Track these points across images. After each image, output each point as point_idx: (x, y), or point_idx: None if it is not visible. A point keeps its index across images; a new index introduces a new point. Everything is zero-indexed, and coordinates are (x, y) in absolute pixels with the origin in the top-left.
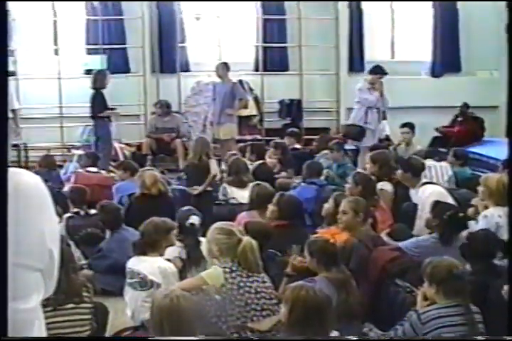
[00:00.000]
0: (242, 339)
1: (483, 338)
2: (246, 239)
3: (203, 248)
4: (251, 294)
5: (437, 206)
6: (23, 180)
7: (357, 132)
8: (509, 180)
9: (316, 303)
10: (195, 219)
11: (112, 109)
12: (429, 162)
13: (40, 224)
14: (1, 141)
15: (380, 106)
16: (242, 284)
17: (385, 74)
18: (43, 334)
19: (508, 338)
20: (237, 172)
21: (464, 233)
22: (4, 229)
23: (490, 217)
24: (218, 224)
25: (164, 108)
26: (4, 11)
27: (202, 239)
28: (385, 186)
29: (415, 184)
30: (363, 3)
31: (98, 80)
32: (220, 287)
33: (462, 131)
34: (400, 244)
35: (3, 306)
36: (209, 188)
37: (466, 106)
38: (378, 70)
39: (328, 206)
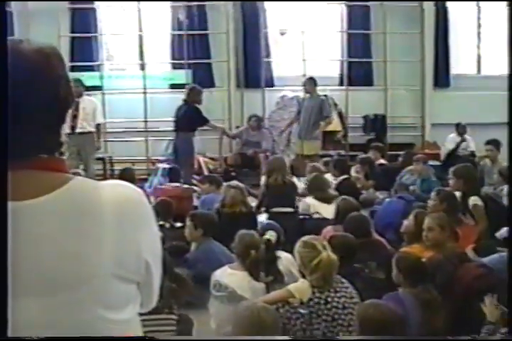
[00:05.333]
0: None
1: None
2: (325, 253)
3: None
4: (338, 309)
5: None
6: (124, 192)
7: None
8: (509, 177)
9: (384, 322)
10: (271, 235)
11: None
12: None
13: (137, 236)
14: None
15: None
16: (329, 299)
17: None
18: None
19: (508, 338)
20: (319, 188)
21: None
22: (4, 225)
23: None
24: (304, 237)
25: (258, 122)
26: (4, 11)
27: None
28: (477, 201)
29: None
30: (449, 16)
31: (192, 95)
32: (307, 301)
33: None
34: (484, 259)
35: (3, 306)
36: (291, 209)
37: None
38: None
39: (407, 223)
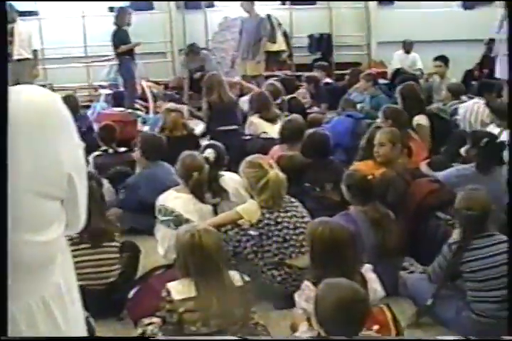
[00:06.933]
0: (251, 339)
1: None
2: (272, 172)
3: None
4: (289, 230)
5: (474, 134)
6: (36, 98)
7: None
8: (509, 173)
9: (334, 240)
10: (209, 153)
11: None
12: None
13: (56, 146)
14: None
15: None
16: (279, 219)
17: None
18: (70, 269)
19: (508, 338)
20: (262, 107)
21: None
22: (4, 223)
23: None
24: (249, 157)
25: (194, 53)
26: (4, 10)
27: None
28: (421, 120)
29: None
30: None
31: (120, 17)
32: (256, 222)
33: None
34: (440, 174)
35: (3, 306)
36: (235, 126)
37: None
38: None
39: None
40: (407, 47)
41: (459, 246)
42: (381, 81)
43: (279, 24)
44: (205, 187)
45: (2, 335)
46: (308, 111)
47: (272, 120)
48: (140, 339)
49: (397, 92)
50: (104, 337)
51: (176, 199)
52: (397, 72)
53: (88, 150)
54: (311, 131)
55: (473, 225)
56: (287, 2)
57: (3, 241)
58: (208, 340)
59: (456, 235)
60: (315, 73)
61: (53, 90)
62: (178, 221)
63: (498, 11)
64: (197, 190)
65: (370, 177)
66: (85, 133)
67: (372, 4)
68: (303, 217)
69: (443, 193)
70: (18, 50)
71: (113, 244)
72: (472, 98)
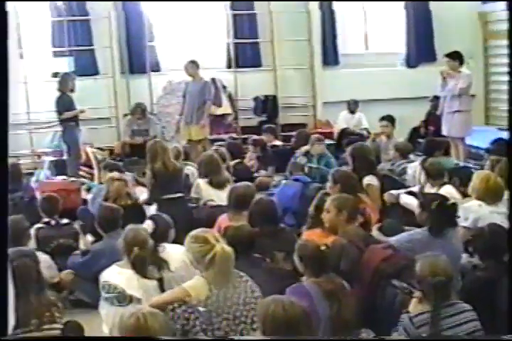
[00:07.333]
0: (242, 340)
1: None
2: (218, 246)
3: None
4: (239, 306)
5: (425, 197)
6: None
7: None
8: (509, 178)
9: (287, 318)
10: (148, 225)
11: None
12: (411, 164)
13: None
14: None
15: None
16: (228, 295)
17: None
18: None
19: (508, 338)
20: (211, 172)
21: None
22: (5, 225)
23: (469, 206)
24: (194, 231)
25: (141, 112)
26: (4, 11)
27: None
28: (372, 181)
29: None
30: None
31: (63, 83)
32: (204, 299)
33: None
34: (392, 239)
35: (3, 306)
36: (180, 194)
37: (436, 98)
38: None
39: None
40: (352, 106)
41: (432, 316)
42: (327, 141)
43: (224, 87)
44: (148, 261)
45: (2, 335)
46: (255, 174)
47: (220, 185)
48: (141, 339)
49: (347, 153)
50: (103, 337)
51: (119, 275)
52: (343, 132)
53: (31, 222)
54: (257, 198)
55: (440, 293)
56: (232, 65)
57: (3, 243)
58: (209, 340)
59: (414, 305)
60: (263, 136)
61: None
62: (122, 297)
63: (441, 68)
64: (138, 266)
65: (323, 247)
66: (28, 203)
67: (317, 64)
68: (253, 291)
69: (397, 260)
70: None
71: (55, 326)
72: (420, 156)
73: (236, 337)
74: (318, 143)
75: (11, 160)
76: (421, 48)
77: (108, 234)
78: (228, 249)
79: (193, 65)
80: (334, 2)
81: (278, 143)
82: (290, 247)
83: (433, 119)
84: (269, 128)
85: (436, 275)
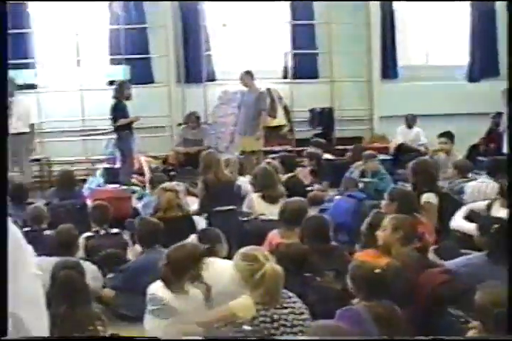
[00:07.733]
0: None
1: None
2: (268, 265)
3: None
4: (286, 328)
5: (484, 220)
6: None
7: None
8: (509, 182)
9: None
10: (192, 239)
11: None
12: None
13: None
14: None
15: None
16: (276, 317)
17: None
18: None
19: (508, 338)
20: (265, 186)
21: None
22: (4, 228)
23: None
24: (243, 249)
25: (195, 120)
26: (4, 10)
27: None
28: (430, 198)
29: None
30: (395, 6)
31: (120, 90)
32: (251, 319)
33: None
34: (449, 262)
35: (3, 306)
36: (231, 206)
37: (498, 114)
38: None
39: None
40: (410, 121)
41: None
42: (382, 156)
43: (280, 98)
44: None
45: (2, 335)
46: (309, 188)
47: (274, 200)
48: (141, 339)
49: (408, 168)
50: (104, 337)
51: (164, 288)
52: (400, 147)
53: (80, 230)
54: (309, 215)
55: (501, 325)
56: (289, 75)
57: (3, 244)
58: (209, 340)
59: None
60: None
61: (50, 164)
62: (167, 310)
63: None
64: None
65: (377, 270)
66: (79, 210)
67: (375, 77)
68: (301, 313)
69: (454, 285)
70: (16, 124)
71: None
72: (479, 174)
73: None
74: (372, 160)
75: (64, 166)
76: (484, 61)
77: (147, 250)
78: (278, 268)
79: (248, 75)
80: (396, 14)
81: (329, 156)
82: (341, 266)
83: (494, 136)
84: (317, 142)
85: (498, 306)
